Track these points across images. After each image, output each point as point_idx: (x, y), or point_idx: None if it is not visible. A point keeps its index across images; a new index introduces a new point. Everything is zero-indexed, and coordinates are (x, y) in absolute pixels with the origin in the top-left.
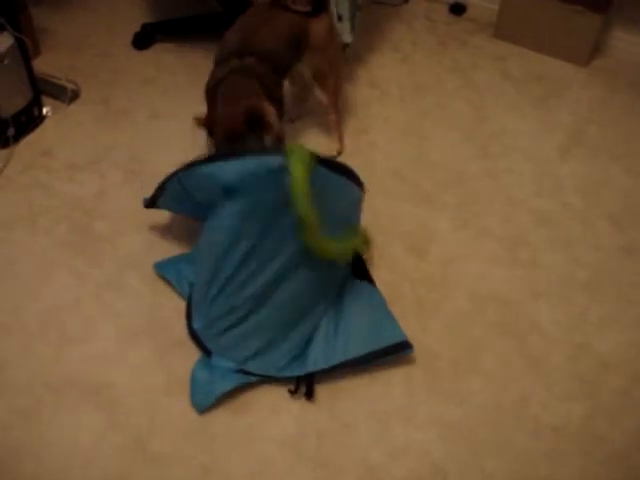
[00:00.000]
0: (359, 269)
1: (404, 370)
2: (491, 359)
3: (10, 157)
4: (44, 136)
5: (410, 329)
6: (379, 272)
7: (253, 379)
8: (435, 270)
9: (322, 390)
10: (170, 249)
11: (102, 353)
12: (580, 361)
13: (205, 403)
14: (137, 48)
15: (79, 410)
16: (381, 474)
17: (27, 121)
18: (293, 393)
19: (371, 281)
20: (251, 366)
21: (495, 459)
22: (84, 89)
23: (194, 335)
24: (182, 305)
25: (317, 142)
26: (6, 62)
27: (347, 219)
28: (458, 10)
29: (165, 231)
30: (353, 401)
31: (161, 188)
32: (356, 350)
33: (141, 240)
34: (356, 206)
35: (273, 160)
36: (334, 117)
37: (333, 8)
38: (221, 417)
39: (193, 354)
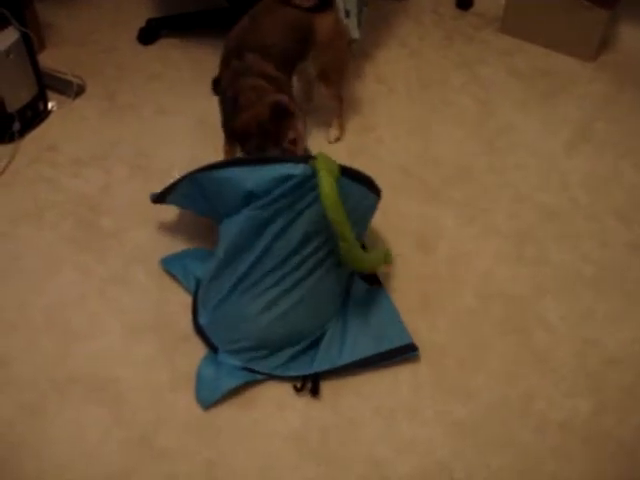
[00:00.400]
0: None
1: (410, 366)
2: (497, 355)
3: (15, 152)
4: (49, 131)
5: (416, 325)
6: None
7: (259, 377)
8: (442, 266)
9: (327, 386)
10: (176, 244)
11: (108, 348)
12: (586, 357)
13: (210, 399)
14: (142, 43)
15: (84, 406)
16: (386, 470)
17: (32, 116)
18: (299, 390)
19: (379, 283)
20: (257, 365)
21: (501, 455)
22: (89, 84)
23: (200, 330)
24: (188, 300)
25: (319, 141)
26: (11, 57)
27: (358, 225)
28: (465, 4)
29: (171, 226)
30: (358, 397)
31: (173, 187)
32: (362, 352)
33: (147, 235)
34: (369, 213)
35: (295, 168)
36: (336, 104)
37: (340, 4)
38: (226, 412)
39: (199, 349)
